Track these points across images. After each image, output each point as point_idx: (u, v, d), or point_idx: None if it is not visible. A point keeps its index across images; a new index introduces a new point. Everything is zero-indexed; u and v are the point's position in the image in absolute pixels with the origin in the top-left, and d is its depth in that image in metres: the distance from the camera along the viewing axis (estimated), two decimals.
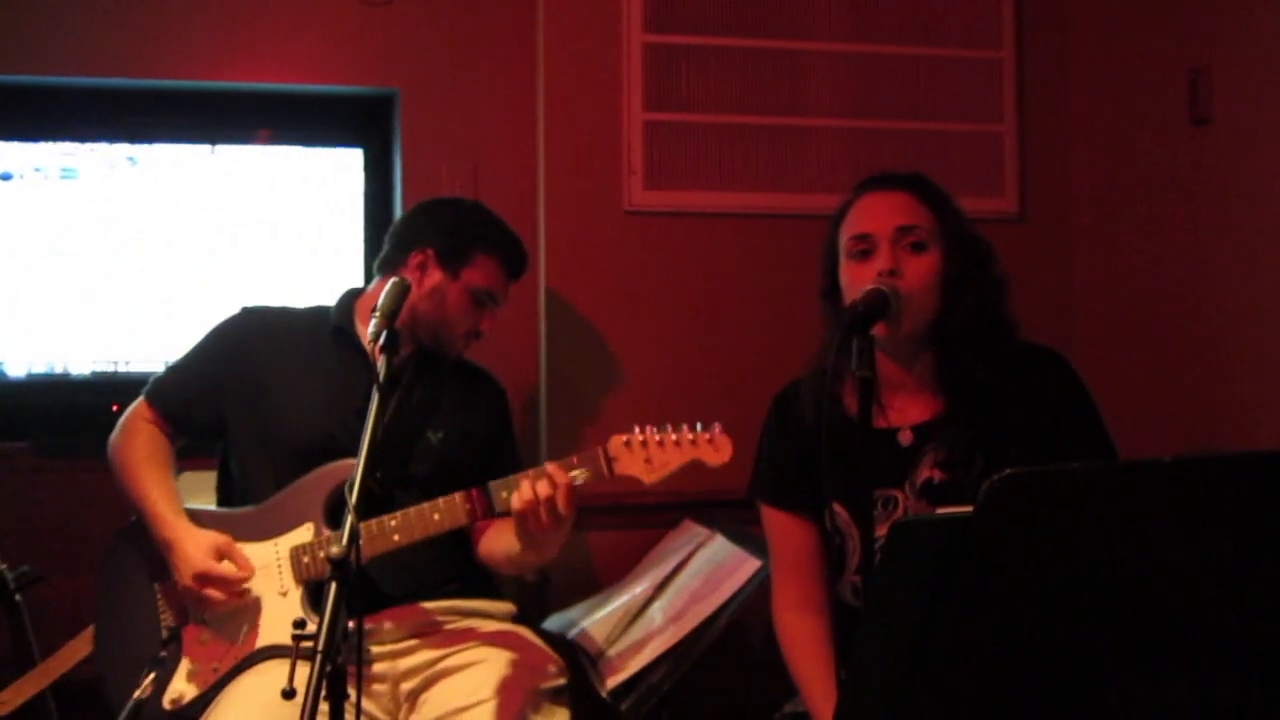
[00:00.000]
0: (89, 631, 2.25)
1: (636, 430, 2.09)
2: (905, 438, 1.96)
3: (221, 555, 2.09)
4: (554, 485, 2.01)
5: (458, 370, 2.38)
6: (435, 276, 2.29)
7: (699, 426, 2.09)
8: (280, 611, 2.09)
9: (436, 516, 2.06)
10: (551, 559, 2.27)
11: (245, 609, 2.10)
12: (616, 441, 2.09)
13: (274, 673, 2.02)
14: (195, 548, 2.09)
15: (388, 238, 2.39)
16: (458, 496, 2.07)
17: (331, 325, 2.31)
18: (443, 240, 2.30)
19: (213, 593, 2.07)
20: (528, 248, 2.45)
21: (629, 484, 2.11)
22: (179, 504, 2.17)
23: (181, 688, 2.07)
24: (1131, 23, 3.01)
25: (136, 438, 2.24)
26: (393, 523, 2.06)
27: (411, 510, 2.07)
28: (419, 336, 2.30)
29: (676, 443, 2.08)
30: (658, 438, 2.08)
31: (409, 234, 2.34)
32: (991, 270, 1.97)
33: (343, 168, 3.11)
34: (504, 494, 2.05)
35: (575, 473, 2.05)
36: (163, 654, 2.11)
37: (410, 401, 2.27)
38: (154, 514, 2.14)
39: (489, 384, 2.47)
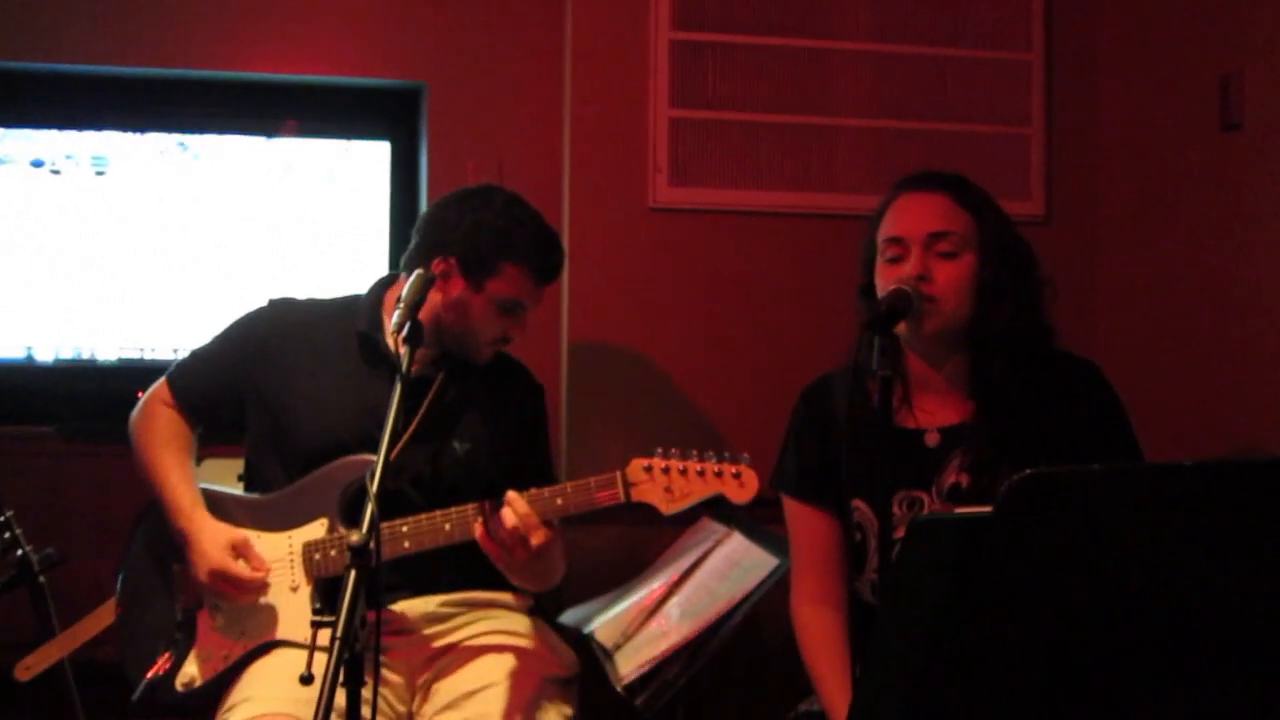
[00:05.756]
0: (109, 604, 2.27)
1: (659, 454, 2.00)
2: (932, 439, 1.96)
3: (238, 553, 2.07)
4: (518, 519, 1.95)
5: (492, 370, 2.28)
6: (458, 286, 2.16)
7: (726, 455, 2.00)
8: (291, 606, 2.08)
9: (448, 527, 2.04)
10: (552, 585, 2.21)
11: (257, 601, 2.10)
12: (637, 466, 2.00)
13: (290, 660, 2.03)
14: (212, 544, 2.06)
15: (414, 232, 2.28)
16: (470, 509, 2.03)
17: (358, 330, 2.22)
18: (466, 248, 2.15)
19: (228, 590, 2.07)
20: None
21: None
22: (196, 493, 2.15)
23: (193, 672, 2.09)
24: (1162, 26, 2.99)
25: (156, 421, 2.23)
26: (404, 528, 2.03)
27: (424, 518, 2.04)
28: (444, 343, 2.21)
29: (700, 473, 1.98)
30: (681, 465, 1.99)
31: (432, 235, 2.19)
32: (1031, 276, 1.95)
33: (370, 160, 3.12)
34: None
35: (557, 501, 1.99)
36: (177, 636, 2.12)
37: (439, 407, 2.19)
38: (171, 503, 2.13)
39: (525, 385, 2.35)
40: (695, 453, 2.01)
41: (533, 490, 2.00)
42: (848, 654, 1.94)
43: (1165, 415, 2.73)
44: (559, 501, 2.00)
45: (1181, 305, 2.90)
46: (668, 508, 2.00)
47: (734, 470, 1.99)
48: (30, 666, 2.35)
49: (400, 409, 1.74)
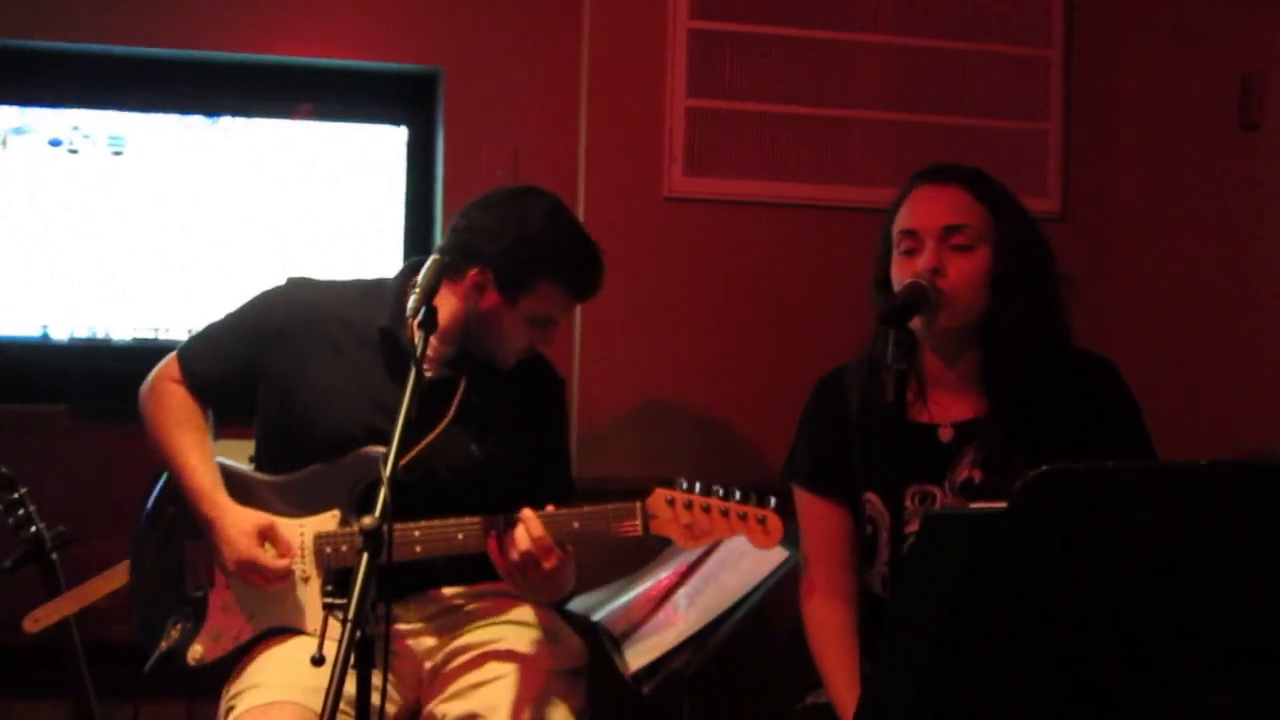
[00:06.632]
0: (123, 565, 2.26)
1: (683, 486, 1.96)
2: (946, 434, 1.96)
3: (264, 537, 2.06)
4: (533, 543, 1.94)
5: (514, 366, 2.22)
6: (493, 299, 2.11)
7: (752, 496, 1.95)
8: (302, 595, 2.08)
9: (460, 536, 2.02)
10: (559, 599, 2.20)
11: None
12: (659, 498, 1.97)
13: (299, 648, 2.02)
14: (238, 531, 2.04)
15: (451, 230, 2.20)
16: (483, 523, 2.01)
17: (380, 325, 2.16)
18: (505, 264, 2.09)
19: (255, 579, 2.05)
20: None
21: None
22: (216, 475, 2.13)
23: (203, 649, 2.09)
24: (1183, 25, 2.97)
25: (169, 399, 2.19)
26: (416, 533, 2.02)
27: (437, 524, 2.02)
28: (469, 346, 2.17)
29: (724, 513, 1.94)
30: (704, 502, 1.94)
31: (471, 241, 2.12)
32: (1047, 271, 1.94)
33: (386, 144, 3.13)
34: None
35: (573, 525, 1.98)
36: (189, 611, 2.11)
37: (463, 410, 2.14)
38: (191, 486, 2.10)
39: (546, 379, 2.30)
40: (719, 488, 1.96)
41: (549, 509, 1.98)
42: (856, 647, 1.94)
43: (1179, 413, 2.72)
44: (575, 525, 1.98)
45: (1197, 303, 2.90)
46: (686, 544, 1.98)
47: (759, 515, 1.94)
48: (39, 619, 2.35)
49: (415, 396, 1.73)
